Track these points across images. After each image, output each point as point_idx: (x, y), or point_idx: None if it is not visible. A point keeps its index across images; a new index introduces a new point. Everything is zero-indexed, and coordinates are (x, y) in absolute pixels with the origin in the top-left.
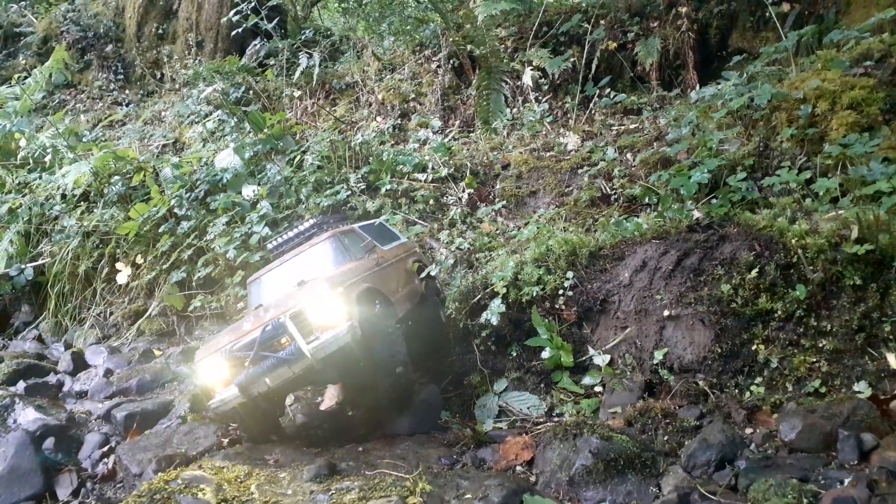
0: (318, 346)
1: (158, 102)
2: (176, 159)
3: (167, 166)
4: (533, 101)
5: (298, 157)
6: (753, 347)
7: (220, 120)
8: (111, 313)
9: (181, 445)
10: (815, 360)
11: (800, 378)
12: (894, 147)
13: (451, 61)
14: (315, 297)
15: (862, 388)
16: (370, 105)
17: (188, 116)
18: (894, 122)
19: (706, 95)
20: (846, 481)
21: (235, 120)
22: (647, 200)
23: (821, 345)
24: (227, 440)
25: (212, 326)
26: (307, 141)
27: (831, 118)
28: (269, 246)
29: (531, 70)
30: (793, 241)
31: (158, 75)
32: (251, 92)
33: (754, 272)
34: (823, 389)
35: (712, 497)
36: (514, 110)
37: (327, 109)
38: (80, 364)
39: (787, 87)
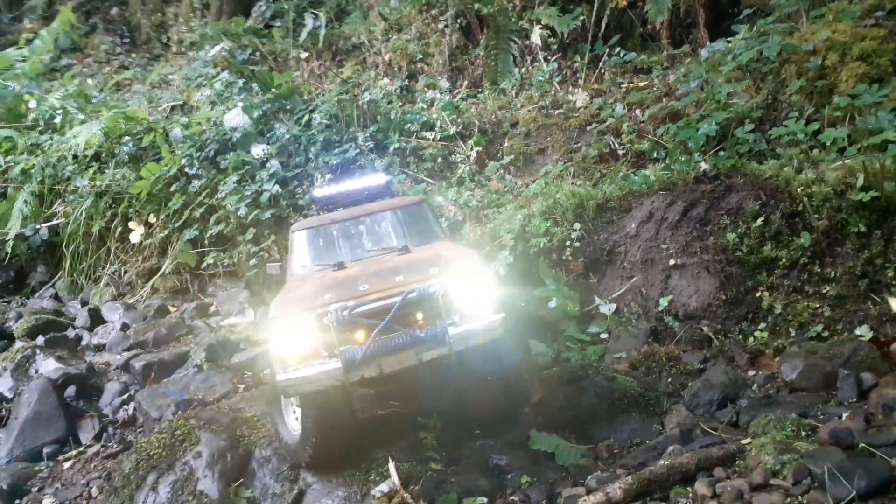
0: (462, 334)
1: (165, 65)
2: (185, 119)
3: (177, 126)
4: (542, 60)
5: (307, 116)
6: (758, 294)
7: (227, 81)
8: (125, 272)
9: (198, 392)
10: (818, 305)
11: (803, 323)
12: None
13: (459, 21)
14: (467, 276)
15: (863, 332)
16: (377, 66)
17: (196, 79)
18: None
19: (716, 50)
20: (844, 416)
21: (243, 81)
22: (655, 155)
23: (824, 291)
24: (242, 386)
25: (225, 283)
26: (315, 101)
27: (841, 70)
28: (318, 194)
29: (540, 29)
30: (798, 190)
31: (164, 38)
32: (258, 54)
33: (760, 221)
34: (826, 334)
35: (713, 432)
36: (523, 70)
37: (334, 71)
38: (97, 320)
39: (797, 40)
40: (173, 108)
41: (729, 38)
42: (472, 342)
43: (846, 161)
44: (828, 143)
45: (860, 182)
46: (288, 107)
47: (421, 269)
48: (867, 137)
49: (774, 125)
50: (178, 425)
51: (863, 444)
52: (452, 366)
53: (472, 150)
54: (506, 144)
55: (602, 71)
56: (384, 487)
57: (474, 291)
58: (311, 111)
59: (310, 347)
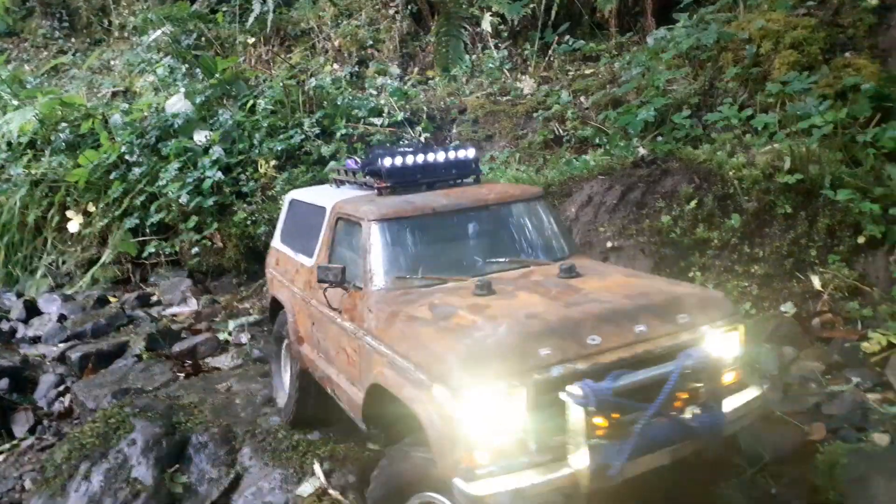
0: (731, 417)
1: (106, 50)
2: (126, 106)
3: (116, 113)
4: (492, 47)
5: (251, 101)
6: (690, 275)
7: (170, 66)
8: (63, 262)
9: (137, 381)
10: (746, 284)
11: (733, 302)
12: (831, 84)
13: (409, 7)
14: (723, 330)
15: (788, 308)
16: (326, 52)
17: (138, 64)
18: (833, 61)
19: (659, 38)
20: (765, 387)
21: (187, 66)
22: (597, 141)
23: (752, 270)
24: (182, 374)
25: (167, 272)
26: (260, 86)
27: (774, 57)
28: (389, 164)
29: (490, 16)
30: (730, 173)
31: (106, 22)
32: (203, 39)
33: (693, 204)
34: (753, 311)
35: None
36: (474, 57)
37: (282, 56)
38: (32, 312)
39: (734, 29)
40: (114, 94)
41: (671, 27)
42: (744, 422)
43: (775, 145)
44: (759, 129)
45: (787, 165)
46: (232, 93)
47: (662, 312)
48: (796, 122)
49: (711, 111)
50: (112, 414)
51: (779, 413)
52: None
53: (420, 136)
54: (454, 131)
55: (551, 58)
56: (308, 488)
57: (733, 353)
58: (256, 97)
59: (513, 436)
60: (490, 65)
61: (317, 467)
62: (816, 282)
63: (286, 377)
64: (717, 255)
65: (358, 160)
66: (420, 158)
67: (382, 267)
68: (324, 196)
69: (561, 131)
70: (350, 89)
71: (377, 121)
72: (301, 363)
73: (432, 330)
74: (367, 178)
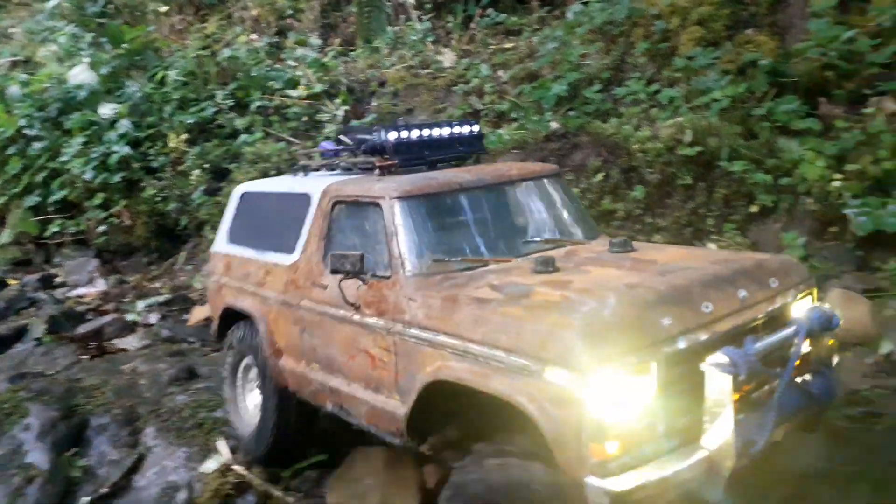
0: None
1: (5, 18)
2: (25, 77)
3: (14, 84)
4: (415, 19)
5: (161, 73)
6: None
7: (74, 35)
8: None
9: (37, 365)
10: None
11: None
12: (733, 60)
13: None
14: (802, 295)
15: None
16: (244, 21)
17: (39, 33)
18: (736, 37)
19: (577, 12)
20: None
21: (92, 35)
22: (513, 115)
23: (655, 240)
24: (87, 357)
25: (72, 252)
26: (171, 57)
27: (682, 33)
28: (393, 138)
29: None
30: (635, 146)
31: None
32: (111, 6)
33: (600, 176)
34: None
35: None
36: (397, 28)
37: (196, 26)
38: None
39: (645, 4)
40: (14, 64)
41: (587, 1)
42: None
43: (678, 119)
44: (665, 103)
45: (688, 138)
46: (141, 63)
47: (757, 277)
48: (699, 97)
49: (621, 85)
50: (5, 399)
51: None
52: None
53: (339, 108)
54: (374, 103)
55: (474, 31)
56: (212, 464)
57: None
58: (166, 68)
59: (644, 420)
60: (413, 37)
61: (221, 444)
62: (713, 249)
63: (250, 402)
64: (621, 225)
65: (335, 143)
66: (426, 133)
67: (416, 249)
68: (301, 183)
69: (480, 105)
70: (268, 60)
71: (294, 93)
72: (279, 381)
73: (520, 309)
74: (362, 157)
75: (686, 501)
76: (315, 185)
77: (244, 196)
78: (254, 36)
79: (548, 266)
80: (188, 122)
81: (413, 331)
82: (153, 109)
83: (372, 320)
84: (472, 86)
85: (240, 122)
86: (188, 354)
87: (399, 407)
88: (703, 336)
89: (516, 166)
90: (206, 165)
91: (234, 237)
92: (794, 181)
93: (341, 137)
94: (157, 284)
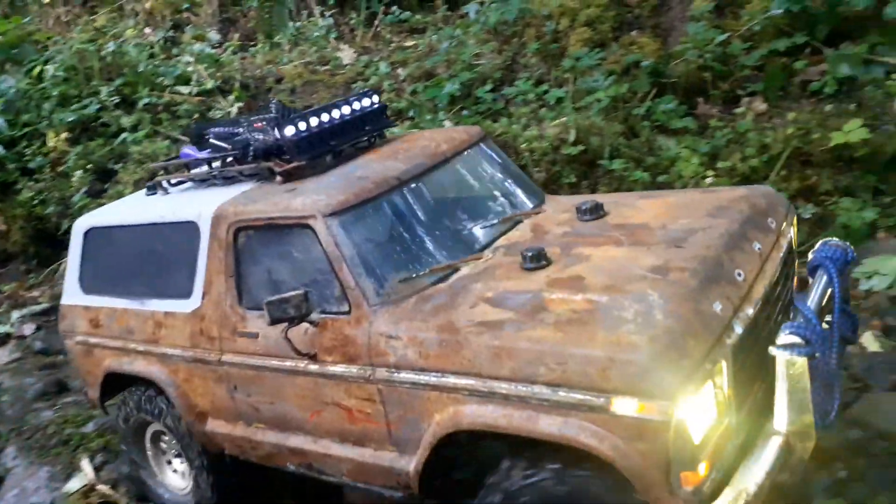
0: None
1: None
2: None
3: None
4: (318, 15)
5: (39, 67)
6: None
7: None
8: None
9: None
10: None
11: None
12: (618, 61)
13: None
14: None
15: None
16: (137, 14)
17: None
18: (622, 39)
19: (470, 12)
20: None
21: None
22: (411, 113)
23: None
24: None
25: None
26: (51, 50)
27: (571, 34)
28: (291, 133)
29: None
30: (523, 146)
31: None
32: None
33: None
34: None
35: None
36: (299, 24)
37: (84, 18)
38: None
39: (536, 5)
40: None
41: (483, 1)
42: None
43: (564, 119)
44: (553, 103)
45: (571, 137)
46: (17, 57)
47: (758, 222)
48: (584, 97)
49: (513, 85)
50: None
51: None
52: None
53: (232, 105)
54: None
55: (378, 28)
56: (76, 483)
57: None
58: (45, 62)
59: (722, 425)
60: (315, 33)
61: (85, 463)
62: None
63: (171, 470)
64: None
65: (194, 148)
66: (327, 118)
67: (374, 273)
68: (174, 208)
69: None
70: (162, 56)
71: (185, 89)
72: (211, 446)
73: (549, 330)
74: (252, 164)
75: (776, 496)
76: (196, 207)
77: (91, 233)
78: (147, 30)
79: (539, 260)
80: (69, 119)
81: (405, 375)
82: (30, 106)
83: (338, 369)
84: (371, 83)
85: (126, 121)
86: (61, 367)
87: (397, 459)
88: (749, 310)
89: (439, 138)
90: (90, 166)
91: (91, 285)
92: (671, 178)
93: (213, 141)
94: (35, 293)
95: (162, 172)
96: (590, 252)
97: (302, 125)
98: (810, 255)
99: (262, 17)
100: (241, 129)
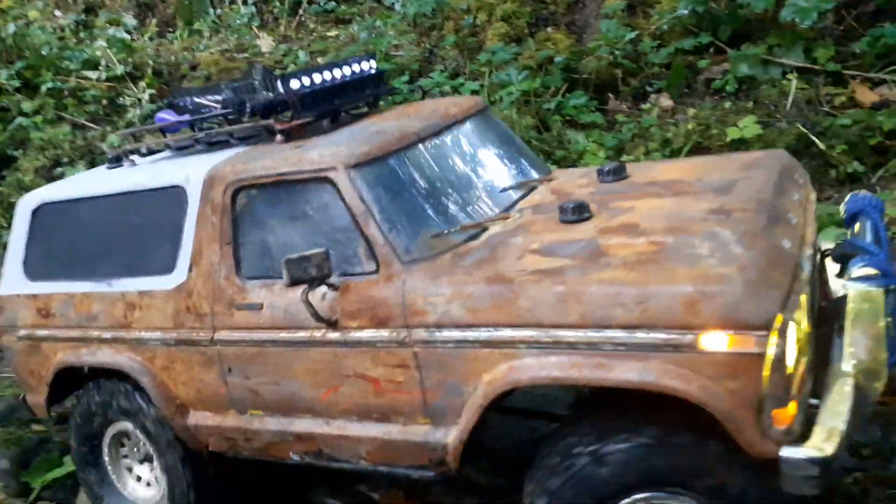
0: None
1: None
2: None
3: None
4: (240, 2)
5: None
6: None
7: None
8: None
9: None
10: None
11: None
12: (533, 56)
13: None
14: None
15: None
16: None
17: None
18: (537, 34)
19: (395, 4)
20: None
21: None
22: None
23: None
24: None
25: None
26: None
27: (488, 28)
28: (296, 86)
29: None
30: None
31: None
32: None
33: None
34: None
35: None
36: (220, 11)
37: None
38: None
39: None
40: None
41: None
42: None
43: None
44: (468, 95)
45: None
46: None
47: (791, 177)
48: (498, 90)
49: (429, 77)
50: None
51: None
52: None
53: (143, 92)
54: (183, 87)
55: (303, 18)
56: None
57: None
58: None
59: (804, 363)
60: (238, 20)
61: None
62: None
63: (134, 479)
64: None
65: (171, 112)
66: (329, 76)
67: (405, 228)
68: (153, 174)
69: None
70: (74, 40)
71: (93, 74)
72: (192, 443)
73: (621, 272)
74: (246, 125)
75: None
76: (182, 171)
77: (42, 211)
78: (58, 13)
79: (582, 212)
80: None
81: (448, 333)
82: None
83: (365, 334)
84: (289, 72)
85: (28, 105)
86: None
87: (431, 432)
88: (808, 251)
89: (446, 103)
90: None
91: (40, 271)
92: None
93: (198, 100)
94: None
95: (112, 149)
96: (631, 204)
97: (306, 80)
98: (841, 208)
99: (182, 4)
100: (222, 96)
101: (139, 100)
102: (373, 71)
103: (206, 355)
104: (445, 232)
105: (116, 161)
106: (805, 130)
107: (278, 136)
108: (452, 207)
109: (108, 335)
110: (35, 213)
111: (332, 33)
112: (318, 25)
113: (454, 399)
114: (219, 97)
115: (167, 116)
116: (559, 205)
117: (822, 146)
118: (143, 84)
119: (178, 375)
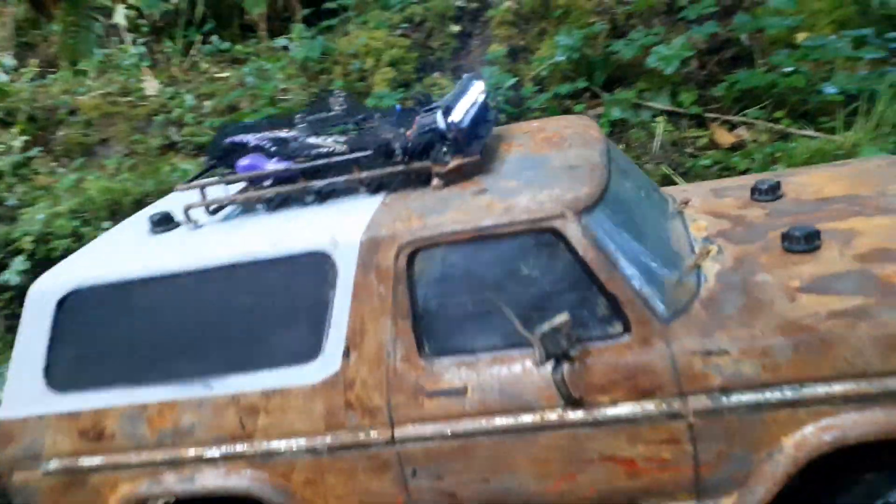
0: None
1: None
2: None
3: None
4: (129, 42)
5: None
6: None
7: None
8: None
9: None
10: None
11: None
12: None
13: None
14: None
15: None
16: None
17: None
18: (425, 79)
19: (279, 46)
20: None
21: None
22: None
23: None
24: None
25: None
26: None
27: (376, 73)
28: (454, 117)
29: (125, 8)
30: None
31: None
32: None
33: None
34: None
35: None
36: (110, 52)
37: None
38: None
39: (345, 43)
40: None
41: (291, 36)
42: None
43: None
44: None
45: None
46: None
47: None
48: None
49: None
50: None
51: None
52: None
53: (16, 139)
54: (60, 133)
55: (196, 58)
56: None
57: None
58: None
59: None
60: (126, 61)
61: None
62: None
63: None
64: None
65: (260, 157)
66: (467, 104)
67: (651, 279)
68: (262, 241)
69: (178, 137)
70: None
71: None
72: None
73: None
74: (386, 168)
75: None
76: (319, 232)
77: (73, 299)
78: None
79: (813, 240)
80: None
81: (738, 397)
82: None
83: (623, 410)
84: (176, 115)
85: None
86: None
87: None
88: None
89: (571, 124)
90: None
91: (74, 378)
92: None
93: (301, 139)
94: None
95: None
96: (848, 226)
97: (459, 113)
98: None
99: (66, 43)
100: (292, 133)
101: (10, 147)
102: (486, 96)
103: (380, 459)
104: (681, 279)
105: (166, 223)
106: (669, 171)
107: (435, 181)
108: (660, 247)
109: (213, 453)
110: (62, 304)
111: (225, 74)
112: (211, 66)
113: (738, 471)
114: (334, 138)
115: (256, 163)
116: (783, 232)
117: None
118: (14, 130)
119: (331, 490)
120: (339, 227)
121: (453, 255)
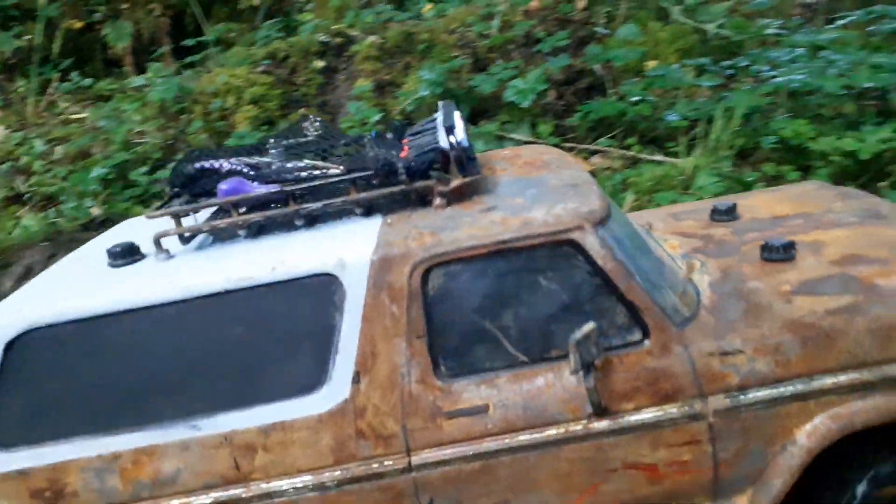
0: None
1: None
2: None
3: None
4: None
5: None
6: None
7: None
8: None
9: None
10: None
11: None
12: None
13: None
14: None
15: None
16: None
17: None
18: (290, 116)
19: (135, 85)
20: None
21: None
22: (63, 198)
23: None
24: None
25: None
26: None
27: (237, 111)
28: (457, 135)
29: None
30: None
31: None
32: None
33: None
34: None
35: None
36: None
37: None
38: None
39: (205, 82)
40: None
41: (149, 75)
42: None
43: None
44: None
45: None
46: None
47: None
48: None
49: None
50: None
51: None
52: None
53: None
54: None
55: (54, 97)
56: None
57: None
58: None
59: None
60: None
61: None
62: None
63: None
64: None
65: (241, 181)
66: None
67: (664, 288)
68: (269, 265)
69: (23, 188)
70: None
71: None
72: None
73: None
74: (382, 187)
75: None
76: (323, 254)
77: (27, 340)
78: None
79: (789, 250)
80: None
81: (755, 394)
82: None
83: (646, 415)
84: (24, 164)
85: None
86: None
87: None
88: None
89: (543, 151)
90: None
91: (25, 431)
92: None
93: (280, 163)
94: None
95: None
96: (813, 238)
97: (460, 133)
98: None
99: None
100: (266, 159)
101: None
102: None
103: (395, 490)
104: (684, 289)
105: (130, 254)
106: None
107: (438, 200)
108: (655, 260)
109: (203, 499)
110: (11, 346)
111: (83, 115)
112: (71, 104)
113: (754, 466)
114: (323, 162)
115: (243, 187)
116: (762, 244)
117: None
118: None
119: None
120: (343, 248)
121: (468, 272)
